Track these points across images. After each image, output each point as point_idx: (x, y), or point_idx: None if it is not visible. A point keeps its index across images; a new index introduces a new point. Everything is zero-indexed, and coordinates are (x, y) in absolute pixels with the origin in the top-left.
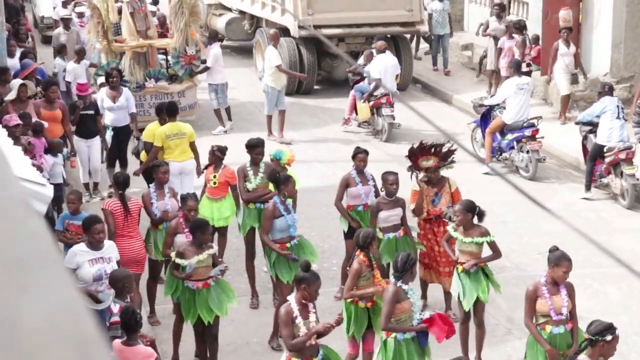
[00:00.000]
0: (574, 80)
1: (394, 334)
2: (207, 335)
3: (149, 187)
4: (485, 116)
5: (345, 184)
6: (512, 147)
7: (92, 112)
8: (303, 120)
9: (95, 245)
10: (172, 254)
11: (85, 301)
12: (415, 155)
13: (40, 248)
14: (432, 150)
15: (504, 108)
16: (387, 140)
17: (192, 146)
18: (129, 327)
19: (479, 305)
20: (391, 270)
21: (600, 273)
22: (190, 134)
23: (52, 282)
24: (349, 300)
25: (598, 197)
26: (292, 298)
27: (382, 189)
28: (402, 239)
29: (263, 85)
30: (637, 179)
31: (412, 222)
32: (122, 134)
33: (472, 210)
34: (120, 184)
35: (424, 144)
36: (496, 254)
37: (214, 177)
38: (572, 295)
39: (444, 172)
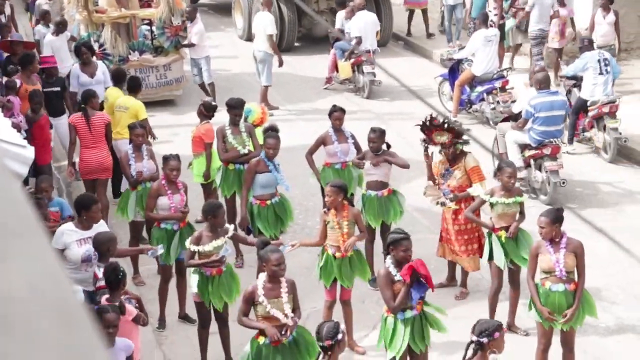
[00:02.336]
0: (612, 53)
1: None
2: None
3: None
4: (454, 70)
5: (322, 141)
6: (482, 99)
7: (58, 88)
8: (285, 79)
9: (86, 225)
10: (187, 243)
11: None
12: (430, 129)
13: (21, 215)
14: (446, 126)
15: (472, 61)
16: (369, 97)
17: (144, 123)
18: (110, 284)
19: (515, 265)
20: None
21: (587, 228)
22: (134, 112)
23: (33, 249)
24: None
25: (580, 151)
26: (261, 276)
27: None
28: (385, 199)
29: (260, 53)
30: (620, 133)
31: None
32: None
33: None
34: (84, 98)
35: (435, 120)
36: (523, 215)
37: (192, 131)
38: (579, 255)
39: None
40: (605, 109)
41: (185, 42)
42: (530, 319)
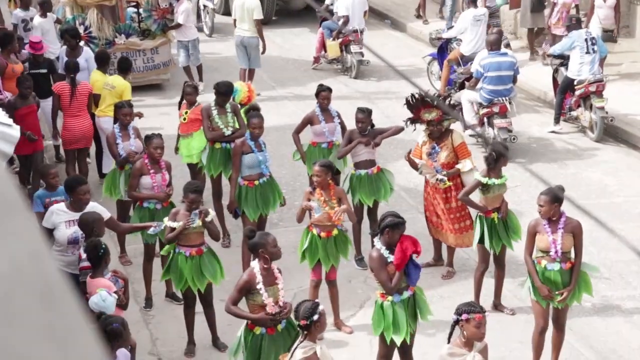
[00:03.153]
0: (609, 38)
1: (390, 298)
2: (191, 303)
3: (113, 127)
4: (443, 49)
5: (308, 121)
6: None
7: (44, 70)
8: (272, 58)
9: (77, 206)
10: (165, 220)
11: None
12: (417, 107)
13: (4, 193)
14: (435, 103)
15: (461, 40)
16: (356, 77)
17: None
18: (91, 260)
19: (503, 247)
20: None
21: (569, 206)
22: (119, 92)
23: (17, 228)
24: (306, 227)
25: (567, 130)
26: (255, 264)
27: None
28: (375, 176)
29: (253, 39)
30: (607, 112)
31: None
32: None
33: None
34: (70, 68)
35: (424, 96)
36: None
37: (185, 113)
38: (576, 236)
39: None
40: (592, 88)
41: (173, 24)
42: (517, 298)
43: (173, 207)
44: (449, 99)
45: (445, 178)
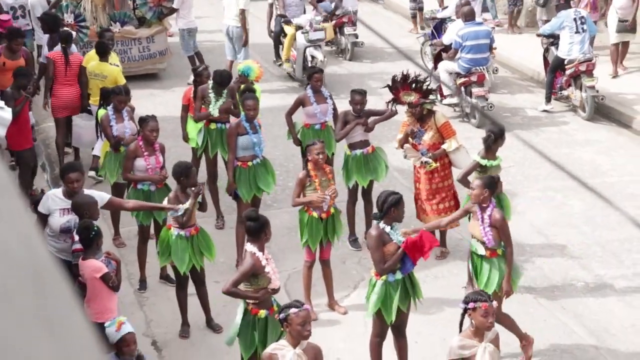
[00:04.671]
0: (624, 28)
1: (384, 277)
2: (185, 284)
3: (106, 109)
4: (437, 29)
5: (300, 102)
6: None
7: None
8: (266, 40)
9: (71, 195)
10: (165, 203)
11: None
12: (397, 88)
13: None
14: (413, 85)
15: (455, 19)
16: (351, 59)
17: (127, 88)
18: (82, 242)
19: None
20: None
21: (563, 185)
22: (113, 78)
23: (6, 210)
24: (303, 210)
25: (558, 109)
26: (252, 247)
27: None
28: (370, 156)
29: (238, 29)
30: (597, 91)
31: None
32: None
33: (491, 186)
34: (64, 39)
35: (406, 76)
36: None
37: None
38: (499, 229)
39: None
40: (582, 68)
41: (168, 11)
42: None
43: (168, 188)
44: (428, 82)
45: (431, 160)
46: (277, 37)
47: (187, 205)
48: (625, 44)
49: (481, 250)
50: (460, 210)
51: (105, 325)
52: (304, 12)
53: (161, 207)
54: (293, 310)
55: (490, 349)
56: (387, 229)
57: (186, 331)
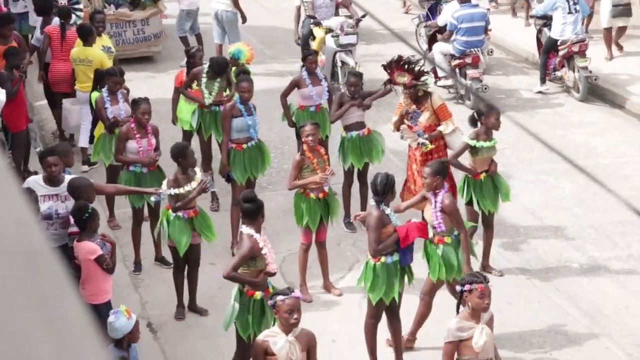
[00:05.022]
0: (620, 12)
1: (382, 259)
2: (182, 265)
3: (100, 91)
4: (432, 10)
5: (295, 84)
6: None
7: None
8: (261, 21)
9: (52, 180)
10: (164, 187)
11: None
12: (392, 69)
13: None
14: (406, 67)
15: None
16: None
17: (121, 70)
18: (77, 223)
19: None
20: (370, 195)
21: (554, 168)
22: (99, 62)
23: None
24: (299, 192)
25: (552, 90)
26: (251, 231)
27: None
28: (366, 138)
29: (228, 13)
30: (590, 72)
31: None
32: None
33: (441, 172)
34: (63, 14)
35: (400, 58)
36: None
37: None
38: (449, 214)
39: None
40: (575, 48)
41: None
42: (505, 259)
43: (160, 171)
44: (421, 63)
45: (427, 142)
46: (306, 40)
47: (177, 191)
48: (621, 29)
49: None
50: (418, 196)
51: (110, 320)
52: (335, 15)
53: (141, 191)
54: (280, 297)
55: (487, 331)
56: (387, 210)
57: (181, 313)
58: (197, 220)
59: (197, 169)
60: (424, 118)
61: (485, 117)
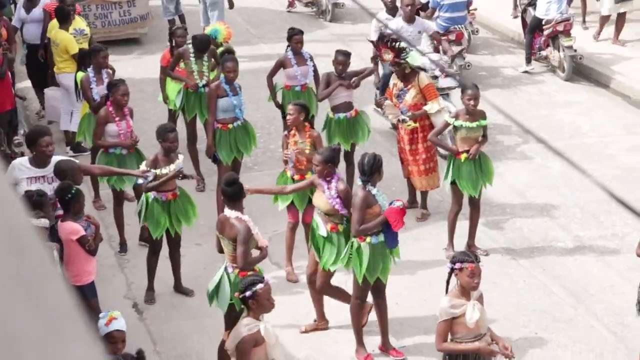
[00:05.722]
0: None
1: (368, 239)
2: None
3: (85, 71)
4: None
5: (281, 64)
6: None
7: None
8: (247, 2)
9: (40, 161)
10: (143, 166)
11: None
12: (379, 46)
13: None
14: (388, 44)
15: None
16: (332, 20)
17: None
18: (60, 203)
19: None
20: (357, 174)
21: (542, 147)
22: (64, 46)
23: None
24: (283, 172)
25: (538, 70)
26: (237, 213)
27: None
28: (353, 120)
29: None
30: (575, 51)
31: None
32: (37, 53)
33: (332, 160)
34: None
35: (382, 35)
36: (486, 137)
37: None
38: (343, 198)
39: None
40: (560, 27)
41: None
42: (490, 239)
43: (139, 153)
44: (400, 41)
45: (407, 119)
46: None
47: (158, 171)
48: (622, 16)
49: (322, 231)
50: (307, 181)
51: (100, 315)
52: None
53: (129, 173)
54: (260, 285)
55: (479, 306)
56: (374, 190)
57: (152, 297)
58: (176, 203)
59: (181, 156)
60: (410, 96)
61: (462, 96)
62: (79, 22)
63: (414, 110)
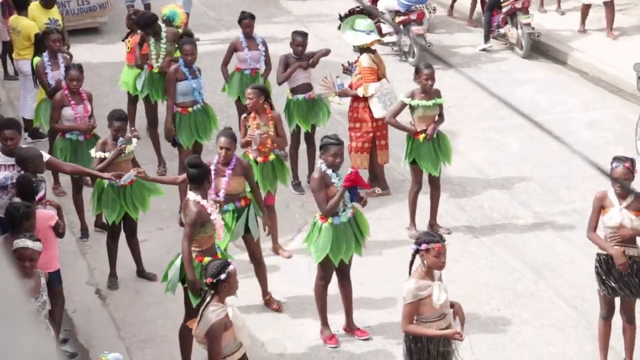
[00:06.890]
0: None
1: (330, 219)
2: (117, 234)
3: (41, 56)
4: None
5: (233, 48)
6: None
7: None
8: None
9: (7, 151)
10: (92, 152)
11: None
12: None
13: None
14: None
15: None
16: None
17: (61, 29)
18: (25, 194)
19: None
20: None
21: (502, 125)
22: (26, 34)
23: None
24: (245, 154)
25: (496, 48)
26: (197, 197)
27: None
28: (313, 101)
29: None
30: (533, 28)
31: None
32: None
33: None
34: None
35: (351, 10)
36: (442, 117)
37: (129, 42)
38: (248, 176)
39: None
40: (518, 5)
41: None
42: (453, 218)
43: (97, 139)
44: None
45: (337, 96)
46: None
47: (100, 154)
48: (610, 7)
49: (232, 206)
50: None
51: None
52: None
53: (100, 176)
54: (231, 267)
55: (444, 286)
56: (329, 171)
57: (114, 282)
58: (132, 189)
59: (134, 140)
60: (354, 74)
61: (417, 76)
62: (54, 13)
63: (355, 89)
